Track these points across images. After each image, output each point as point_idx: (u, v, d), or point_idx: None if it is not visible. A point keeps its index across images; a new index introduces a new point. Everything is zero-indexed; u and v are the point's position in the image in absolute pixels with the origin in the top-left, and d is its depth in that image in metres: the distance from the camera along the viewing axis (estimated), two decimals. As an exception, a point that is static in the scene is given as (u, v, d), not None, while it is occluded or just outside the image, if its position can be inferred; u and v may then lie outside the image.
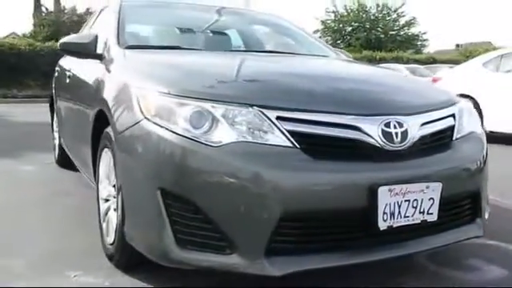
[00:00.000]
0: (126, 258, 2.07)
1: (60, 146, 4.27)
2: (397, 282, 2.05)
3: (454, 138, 2.05)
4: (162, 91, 1.82)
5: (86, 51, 2.70)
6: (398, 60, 22.39)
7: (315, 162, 1.69)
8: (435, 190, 1.82)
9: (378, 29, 32.69)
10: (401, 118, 1.86)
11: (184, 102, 1.76)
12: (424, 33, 33.51)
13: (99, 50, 2.68)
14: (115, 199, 2.12)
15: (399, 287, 1.95)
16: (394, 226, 1.75)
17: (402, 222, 1.76)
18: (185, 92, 1.80)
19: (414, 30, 33.12)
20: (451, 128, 2.06)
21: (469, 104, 2.35)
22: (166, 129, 1.73)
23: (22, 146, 5.69)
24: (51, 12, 25.43)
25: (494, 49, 23.01)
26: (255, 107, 1.73)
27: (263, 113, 1.72)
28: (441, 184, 1.83)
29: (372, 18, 33.43)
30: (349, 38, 33.52)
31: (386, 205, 1.71)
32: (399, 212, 1.74)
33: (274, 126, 1.71)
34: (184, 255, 1.67)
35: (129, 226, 1.88)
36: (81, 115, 2.84)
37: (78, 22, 21.35)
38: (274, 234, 1.63)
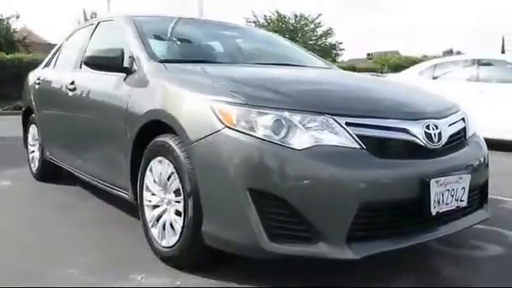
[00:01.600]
0: (191, 257, 2.23)
1: (43, 159, 4.20)
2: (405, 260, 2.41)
3: (467, 137, 2.45)
4: (240, 102, 2.02)
5: (114, 65, 2.80)
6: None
7: (379, 160, 1.99)
8: (466, 180, 2.20)
9: (298, 39, 33.95)
10: (435, 122, 2.23)
11: (263, 111, 1.98)
12: (340, 42, 35.34)
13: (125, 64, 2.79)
14: (173, 204, 2.28)
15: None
16: (440, 211, 2.10)
17: (444, 208, 2.12)
18: (261, 102, 2.02)
19: (331, 40, 34.82)
20: (464, 129, 2.46)
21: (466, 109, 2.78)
22: (250, 135, 1.95)
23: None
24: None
25: (405, 57, 24.96)
26: (326, 115, 2.00)
27: (334, 119, 1.99)
28: (470, 175, 2.21)
29: (291, 28, 34.71)
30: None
31: (436, 194, 2.05)
32: (443, 200, 2.10)
33: (344, 131, 1.98)
34: (276, 247, 1.89)
35: (210, 226, 2.05)
36: (105, 127, 2.92)
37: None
38: (353, 223, 1.91)
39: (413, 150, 2.12)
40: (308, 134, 1.95)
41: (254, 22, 36.55)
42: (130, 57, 2.82)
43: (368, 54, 49.48)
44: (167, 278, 2.23)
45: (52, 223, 3.12)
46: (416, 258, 2.47)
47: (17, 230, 2.98)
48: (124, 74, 2.82)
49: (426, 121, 2.20)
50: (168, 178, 2.32)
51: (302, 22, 34.98)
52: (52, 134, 3.97)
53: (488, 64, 6.88)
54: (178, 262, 2.29)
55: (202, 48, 3.41)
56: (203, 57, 3.12)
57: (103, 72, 2.96)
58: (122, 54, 2.80)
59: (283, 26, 34.71)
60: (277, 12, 35.30)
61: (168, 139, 2.29)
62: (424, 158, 2.13)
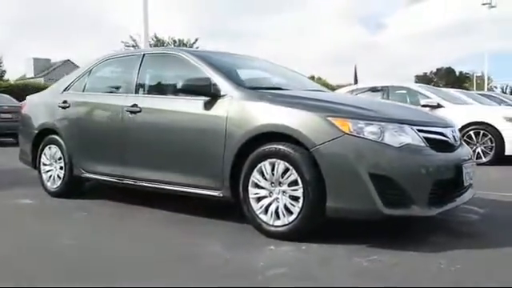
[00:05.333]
0: (306, 230, 3.09)
1: (70, 176, 4.58)
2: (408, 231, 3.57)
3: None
4: (353, 117, 3.01)
5: (205, 91, 3.55)
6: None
7: (436, 153, 3.12)
8: (473, 165, 3.43)
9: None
10: (453, 128, 3.44)
11: (369, 122, 2.99)
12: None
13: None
14: (288, 193, 3.12)
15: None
16: (466, 185, 3.28)
17: (467, 182, 3.32)
18: (365, 117, 3.03)
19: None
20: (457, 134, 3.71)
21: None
22: (364, 138, 2.93)
23: None
24: None
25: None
26: (406, 124, 3.07)
27: (411, 128, 3.07)
28: (474, 163, 3.45)
29: (169, 53, 35.47)
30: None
31: (465, 174, 3.24)
32: (467, 178, 3.29)
33: (416, 135, 3.07)
34: (388, 211, 2.88)
35: (334, 202, 2.96)
36: (194, 140, 3.60)
37: None
38: (430, 193, 2.98)
39: (448, 146, 3.29)
40: (397, 137, 3.00)
41: (133, 45, 36.66)
42: (213, 84, 3.58)
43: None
44: (291, 245, 3.05)
45: (145, 229, 3.69)
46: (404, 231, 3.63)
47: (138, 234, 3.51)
48: (208, 98, 3.57)
49: (450, 128, 3.41)
50: (282, 174, 3.15)
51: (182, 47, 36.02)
52: (95, 152, 4.40)
53: (398, 89, 8.71)
54: (292, 236, 3.11)
55: (262, 77, 4.26)
56: (270, 84, 4.00)
57: (177, 96, 3.74)
58: (210, 82, 3.55)
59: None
60: (155, 37, 35.90)
61: (281, 146, 3.14)
62: (452, 151, 3.31)
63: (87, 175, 4.50)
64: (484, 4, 30.53)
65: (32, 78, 44.74)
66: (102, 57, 4.83)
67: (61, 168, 4.71)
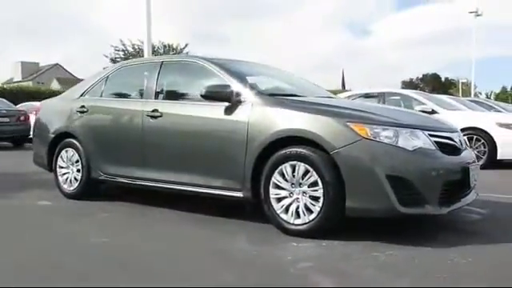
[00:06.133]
0: (326, 228, 3.31)
1: (88, 178, 4.75)
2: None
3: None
4: (370, 123, 3.24)
5: (226, 97, 3.76)
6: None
7: (445, 155, 3.36)
8: (478, 168, 3.68)
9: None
10: (459, 133, 3.69)
11: (385, 127, 3.23)
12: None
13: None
14: (308, 193, 3.33)
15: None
16: (472, 186, 3.53)
17: (473, 183, 3.56)
18: (382, 123, 3.27)
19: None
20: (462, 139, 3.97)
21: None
22: (381, 142, 3.17)
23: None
24: None
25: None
26: (418, 130, 3.31)
27: (423, 132, 3.31)
28: (478, 165, 3.70)
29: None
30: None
31: (472, 175, 3.49)
32: (473, 179, 3.54)
33: (428, 139, 3.31)
34: (404, 209, 3.12)
35: (353, 202, 3.18)
36: (215, 143, 3.81)
37: None
38: (441, 193, 3.22)
39: (455, 150, 3.54)
40: (410, 140, 3.24)
41: (123, 50, 36.78)
42: (234, 91, 3.79)
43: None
44: (312, 242, 3.27)
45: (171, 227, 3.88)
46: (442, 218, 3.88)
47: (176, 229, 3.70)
48: (229, 104, 3.78)
49: (457, 133, 3.67)
50: (303, 176, 3.37)
51: (171, 52, 36.16)
52: (114, 154, 4.58)
53: (393, 95, 9.00)
54: (312, 234, 3.33)
55: (277, 84, 4.49)
56: (284, 91, 4.22)
57: (197, 102, 3.96)
58: (231, 89, 3.77)
59: (152, 56, 35.46)
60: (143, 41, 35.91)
61: (301, 149, 3.36)
62: (459, 154, 3.56)
63: (105, 177, 4.67)
64: (471, 12, 31.21)
65: (19, 81, 44.53)
66: (118, 64, 5.04)
67: (78, 170, 4.87)
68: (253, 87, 3.85)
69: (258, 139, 3.58)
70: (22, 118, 12.63)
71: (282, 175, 3.46)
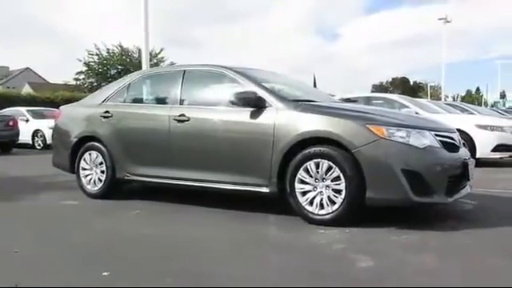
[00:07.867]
0: (348, 217, 3.77)
1: (113, 179, 5.10)
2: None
3: (460, 142, 4.51)
4: (386, 125, 3.73)
5: (253, 103, 4.19)
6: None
7: (449, 152, 3.89)
8: (473, 163, 4.23)
9: (143, 72, 34.81)
10: (457, 133, 4.23)
11: (399, 128, 3.73)
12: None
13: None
14: (331, 187, 3.79)
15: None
16: (470, 178, 4.07)
17: (470, 177, 4.10)
18: (396, 124, 3.77)
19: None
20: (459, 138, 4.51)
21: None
22: (396, 141, 3.66)
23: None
24: None
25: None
26: (426, 130, 3.83)
27: (430, 133, 3.83)
28: (473, 161, 4.25)
29: (136, 61, 35.44)
30: (113, 80, 34.69)
31: (470, 169, 4.02)
32: (471, 172, 4.08)
33: (434, 139, 3.83)
34: (417, 199, 3.62)
35: (372, 193, 3.65)
36: (243, 144, 4.23)
37: None
38: (446, 184, 3.74)
39: (455, 147, 4.07)
40: (420, 139, 3.75)
41: (97, 54, 36.53)
42: (259, 97, 4.23)
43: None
44: (337, 229, 3.72)
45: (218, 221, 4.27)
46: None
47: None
48: (254, 109, 4.21)
49: (455, 133, 4.21)
50: (326, 172, 3.82)
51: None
52: (140, 156, 4.93)
53: (377, 99, 9.60)
54: (335, 222, 3.78)
55: (294, 90, 4.95)
56: (302, 97, 4.67)
57: (223, 107, 4.39)
58: (257, 95, 4.20)
59: (127, 60, 35.42)
60: (120, 46, 35.85)
61: (324, 148, 3.83)
62: (458, 151, 4.09)
63: (131, 178, 5.01)
64: (440, 19, 32.55)
65: (-11, 86, 43.55)
66: (138, 72, 5.39)
67: (102, 172, 5.20)
68: (276, 93, 4.29)
69: (284, 140, 4.02)
70: (10, 123, 12.70)
71: (307, 171, 3.91)
